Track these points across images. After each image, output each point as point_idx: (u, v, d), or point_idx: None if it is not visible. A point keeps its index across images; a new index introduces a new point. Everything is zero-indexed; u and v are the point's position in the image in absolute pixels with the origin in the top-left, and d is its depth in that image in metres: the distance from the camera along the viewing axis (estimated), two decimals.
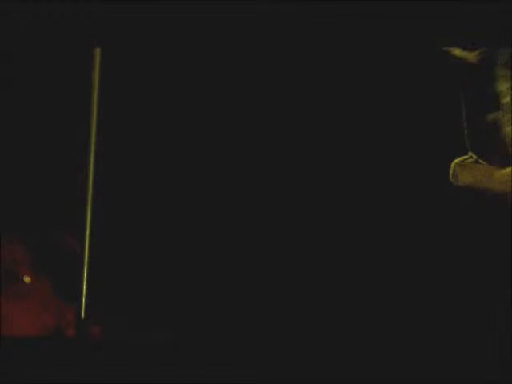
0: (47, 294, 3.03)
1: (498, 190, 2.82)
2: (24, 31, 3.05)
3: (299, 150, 3.16)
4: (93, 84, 2.95)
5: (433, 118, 3.07)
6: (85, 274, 2.92)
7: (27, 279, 3.03)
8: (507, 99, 2.83)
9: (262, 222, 3.13)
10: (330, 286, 3.06)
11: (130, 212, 3.17)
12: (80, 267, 2.93)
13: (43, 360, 2.77)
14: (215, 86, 3.17)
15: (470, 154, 2.87)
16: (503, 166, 2.81)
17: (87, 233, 2.94)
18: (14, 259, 3.05)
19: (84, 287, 2.92)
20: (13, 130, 3.15)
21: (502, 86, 2.83)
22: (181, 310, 3.09)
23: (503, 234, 2.95)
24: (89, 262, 2.93)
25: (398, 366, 2.79)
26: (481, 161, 2.85)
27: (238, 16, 2.74)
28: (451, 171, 2.87)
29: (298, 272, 3.08)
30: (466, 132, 2.86)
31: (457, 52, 2.87)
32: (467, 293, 3.00)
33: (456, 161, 2.87)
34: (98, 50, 2.95)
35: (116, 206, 3.13)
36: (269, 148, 3.16)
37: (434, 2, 2.66)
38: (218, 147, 3.17)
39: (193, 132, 3.18)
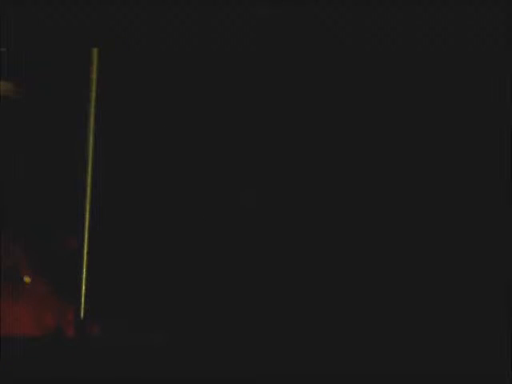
0: (47, 294, 3.04)
1: None
2: (23, 31, 3.06)
3: (293, 149, 3.16)
4: (91, 84, 2.96)
5: None
6: (85, 273, 2.93)
7: (27, 279, 3.04)
8: None
9: (259, 221, 3.13)
10: (330, 285, 3.06)
11: (130, 213, 3.17)
12: (80, 267, 2.93)
13: (43, 360, 2.78)
14: (214, 86, 3.17)
15: None
16: None
17: (87, 233, 2.95)
18: (14, 259, 3.05)
19: (84, 287, 2.92)
20: (12, 131, 3.15)
21: None
22: (179, 311, 3.09)
23: (503, 233, 2.95)
24: (89, 262, 2.94)
25: (397, 364, 2.79)
26: None
27: (233, 14, 2.74)
28: None
29: (296, 272, 3.07)
30: None
31: None
32: (467, 292, 2.99)
33: None
34: (95, 50, 2.97)
35: (115, 207, 3.13)
36: (267, 148, 3.16)
37: None
38: (215, 147, 3.17)
39: (191, 131, 3.18)
